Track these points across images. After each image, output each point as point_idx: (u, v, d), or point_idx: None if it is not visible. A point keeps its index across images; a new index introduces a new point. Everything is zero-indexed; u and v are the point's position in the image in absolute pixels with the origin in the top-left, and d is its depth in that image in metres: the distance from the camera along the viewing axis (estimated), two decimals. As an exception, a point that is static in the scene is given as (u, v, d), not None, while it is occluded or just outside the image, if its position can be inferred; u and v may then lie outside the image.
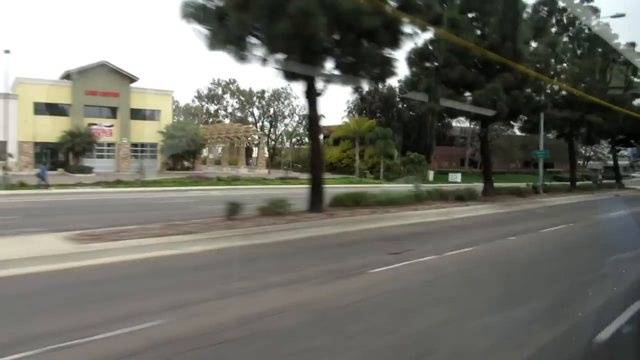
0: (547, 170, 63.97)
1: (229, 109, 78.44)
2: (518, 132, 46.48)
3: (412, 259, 8.22)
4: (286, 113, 71.06)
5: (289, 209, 12.02)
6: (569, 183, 32.43)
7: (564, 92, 29.12)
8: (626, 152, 75.24)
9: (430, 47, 21.18)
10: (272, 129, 72.22)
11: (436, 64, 21.26)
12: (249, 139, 49.34)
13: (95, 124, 40.31)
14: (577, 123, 28.97)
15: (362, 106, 53.73)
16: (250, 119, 76.27)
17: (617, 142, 37.39)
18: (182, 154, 40.70)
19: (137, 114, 42.19)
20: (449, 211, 15.32)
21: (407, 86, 21.01)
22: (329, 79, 13.96)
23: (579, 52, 31.32)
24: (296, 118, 70.09)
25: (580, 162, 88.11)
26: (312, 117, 12.77)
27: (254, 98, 74.39)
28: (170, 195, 22.41)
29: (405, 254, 8.63)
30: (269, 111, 71.23)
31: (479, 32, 20.49)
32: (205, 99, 78.91)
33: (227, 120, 72.65)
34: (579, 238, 11.54)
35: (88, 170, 35.60)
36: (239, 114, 76.40)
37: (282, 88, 69.02)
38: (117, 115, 41.39)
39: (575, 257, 9.11)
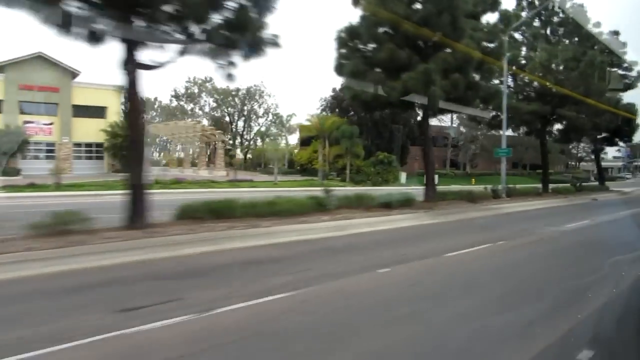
0: (536, 172, 60.85)
1: (206, 108, 75.32)
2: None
3: (144, 322, 4.71)
4: (260, 112, 67.63)
5: (86, 225, 8.52)
6: (557, 185, 29.26)
7: (535, 84, 25.72)
8: (620, 152, 72.03)
9: (363, 24, 17.78)
10: (245, 128, 68.73)
11: (371, 45, 17.82)
12: (204, 137, 45.79)
13: (31, 122, 36.84)
14: (548, 118, 25.45)
15: (334, 104, 50.22)
16: (227, 118, 73.03)
17: (600, 141, 33.76)
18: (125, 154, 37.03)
19: (81, 111, 38.68)
20: (351, 224, 11.80)
21: (335, 70, 17.55)
22: (185, 49, 10.54)
23: (553, 39, 27.95)
24: (270, 117, 66.73)
25: (573, 163, 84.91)
26: (132, 98, 9.24)
27: (229, 97, 71.10)
28: (64, 202, 18.73)
29: (150, 310, 5.14)
30: (244, 110, 67.74)
31: (418, 5, 17.05)
32: (183, 98, 75.80)
33: (204, 121, 69.36)
34: (485, 271, 7.83)
35: (14, 172, 32.17)
36: (217, 114, 73.19)
37: (255, 86, 65.62)
38: (57, 113, 37.93)
39: (445, 311, 5.55)
